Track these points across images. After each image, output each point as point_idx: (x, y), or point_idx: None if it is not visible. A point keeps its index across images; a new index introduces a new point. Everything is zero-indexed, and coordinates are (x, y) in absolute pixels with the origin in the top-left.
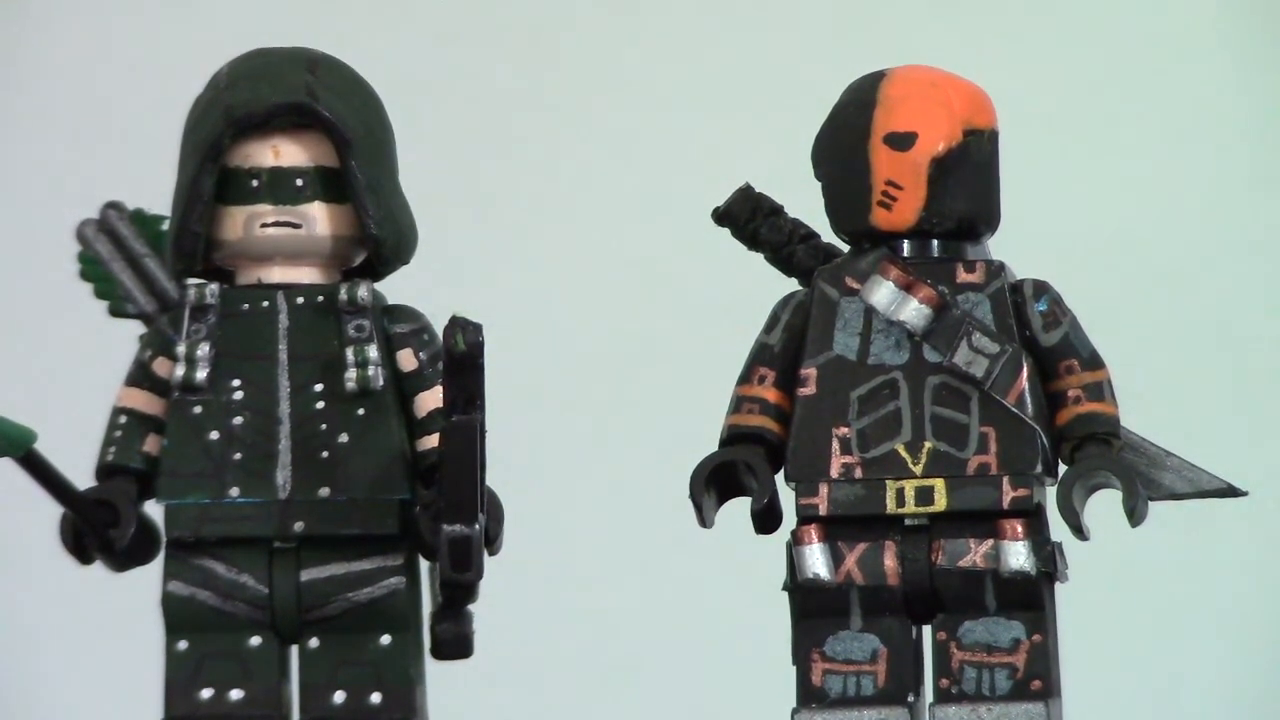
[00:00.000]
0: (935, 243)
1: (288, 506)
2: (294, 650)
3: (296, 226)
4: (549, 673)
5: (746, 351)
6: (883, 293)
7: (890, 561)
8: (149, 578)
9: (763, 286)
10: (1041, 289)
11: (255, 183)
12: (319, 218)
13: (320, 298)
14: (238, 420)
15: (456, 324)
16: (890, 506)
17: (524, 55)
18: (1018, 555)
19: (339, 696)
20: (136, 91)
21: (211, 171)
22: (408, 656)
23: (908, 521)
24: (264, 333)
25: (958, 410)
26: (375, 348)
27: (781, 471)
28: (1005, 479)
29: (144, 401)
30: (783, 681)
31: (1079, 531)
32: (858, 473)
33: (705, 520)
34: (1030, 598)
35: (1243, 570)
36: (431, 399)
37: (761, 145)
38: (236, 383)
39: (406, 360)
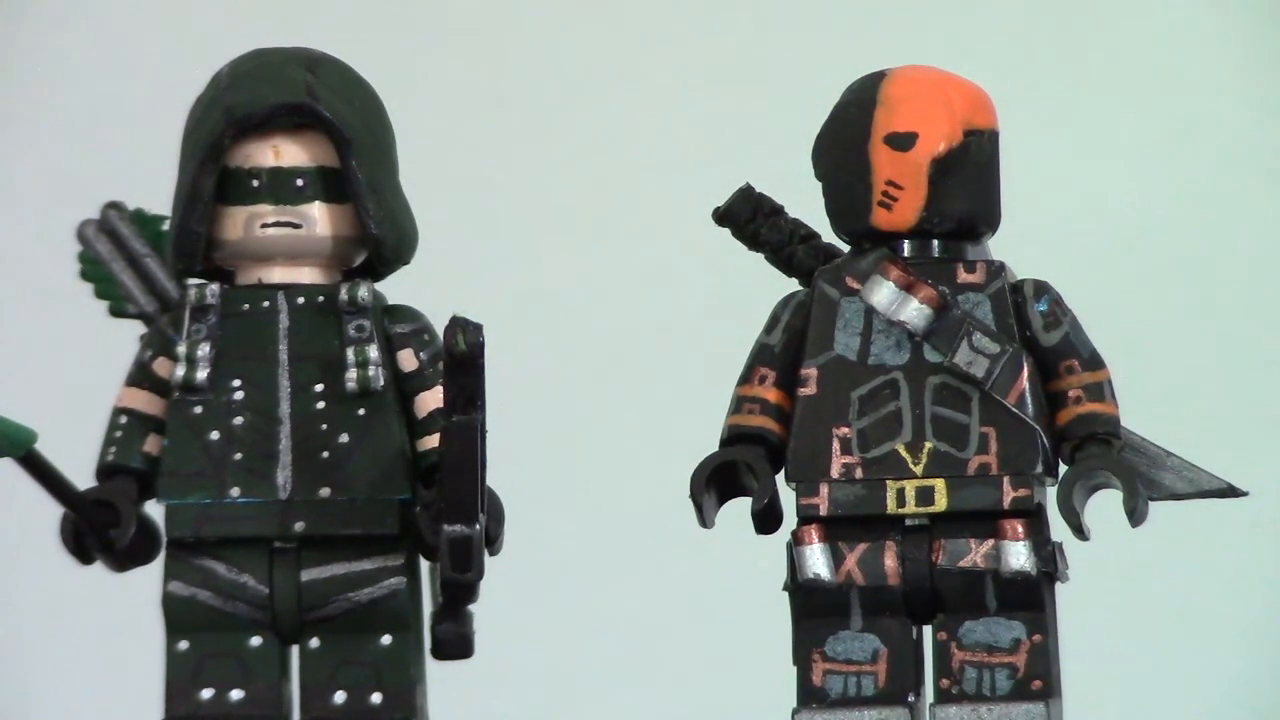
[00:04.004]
0: (936, 243)
1: (288, 506)
2: (294, 650)
3: (297, 226)
4: (549, 673)
5: (747, 352)
6: (883, 293)
7: (891, 561)
8: (149, 578)
9: (763, 287)
10: (1042, 289)
11: (255, 183)
12: (319, 218)
13: (321, 298)
14: (238, 420)
15: (457, 324)
16: (891, 507)
17: (524, 55)
18: (1018, 555)
19: (339, 696)
20: (136, 91)
21: (212, 171)
22: (408, 656)
23: (908, 521)
24: (264, 333)
25: (958, 410)
26: (376, 348)
27: (782, 472)
28: (1006, 479)
29: (144, 402)
30: (783, 681)
31: (1079, 531)
32: (858, 473)
33: (706, 520)
34: (1031, 598)
35: (1243, 570)
36: (432, 399)
37: (762, 145)
38: (237, 383)
39: (407, 360)
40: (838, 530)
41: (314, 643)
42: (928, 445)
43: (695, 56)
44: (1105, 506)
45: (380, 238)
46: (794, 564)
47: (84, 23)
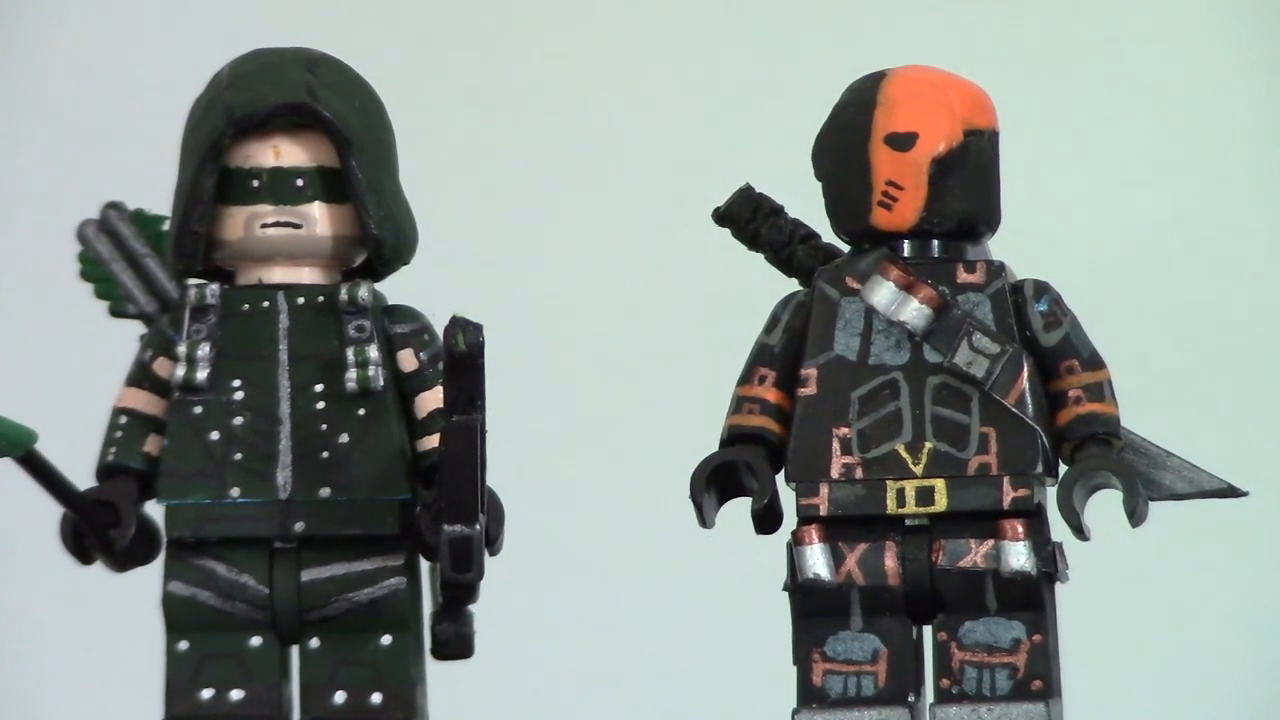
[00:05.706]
0: (936, 243)
1: (288, 507)
2: (294, 650)
3: (297, 227)
4: (549, 673)
5: (746, 352)
6: (883, 293)
7: (891, 562)
8: (149, 578)
9: (763, 287)
10: (1042, 289)
11: (256, 183)
12: (319, 218)
13: (321, 298)
14: (238, 420)
15: (457, 324)
16: (891, 507)
17: (525, 54)
18: (1018, 555)
19: (339, 696)
20: (136, 92)
21: (212, 171)
22: (408, 656)
23: (908, 522)
24: (264, 333)
25: (958, 410)
26: (376, 348)
27: (782, 472)
28: (1006, 479)
29: (144, 402)
30: (783, 681)
31: (1079, 532)
32: (858, 473)
33: (705, 521)
34: (1031, 598)
35: (1243, 570)
36: (432, 399)
37: (762, 145)
38: (237, 383)
39: (407, 360)
40: (838, 530)
41: (314, 643)
42: (928, 445)
43: (695, 56)
44: (1105, 506)
45: (380, 238)
46: (794, 564)
47: (84, 23)
